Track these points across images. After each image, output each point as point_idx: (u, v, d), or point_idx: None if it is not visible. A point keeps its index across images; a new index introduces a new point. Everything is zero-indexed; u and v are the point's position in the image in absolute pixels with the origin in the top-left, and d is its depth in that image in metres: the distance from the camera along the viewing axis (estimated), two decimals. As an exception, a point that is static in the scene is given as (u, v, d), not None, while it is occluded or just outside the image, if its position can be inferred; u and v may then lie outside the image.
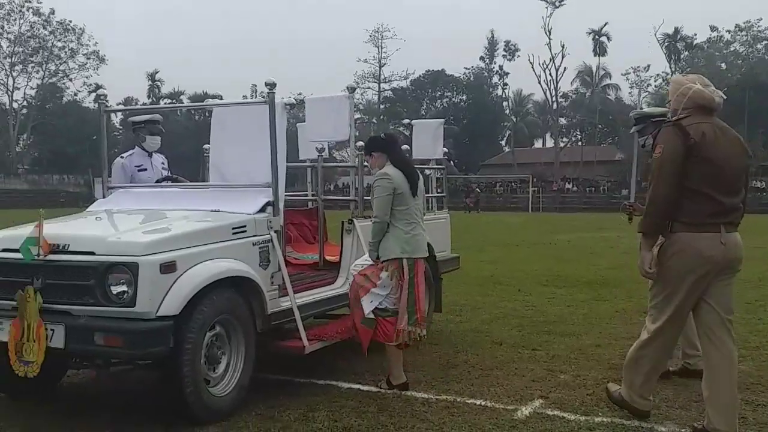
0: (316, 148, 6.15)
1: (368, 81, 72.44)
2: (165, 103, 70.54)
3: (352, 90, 5.73)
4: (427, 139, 6.98)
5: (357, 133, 5.75)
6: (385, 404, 4.66)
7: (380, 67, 71.67)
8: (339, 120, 5.86)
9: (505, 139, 74.20)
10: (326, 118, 5.87)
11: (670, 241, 4.04)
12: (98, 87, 72.07)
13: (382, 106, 72.53)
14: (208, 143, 5.60)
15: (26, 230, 4.26)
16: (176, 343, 3.97)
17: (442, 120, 7.26)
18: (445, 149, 7.04)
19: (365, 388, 5.03)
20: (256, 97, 79.36)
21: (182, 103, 72.42)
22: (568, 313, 8.04)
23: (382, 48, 71.12)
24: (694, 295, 4.06)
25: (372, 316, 4.89)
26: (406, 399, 4.78)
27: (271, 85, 4.70)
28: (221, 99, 8.14)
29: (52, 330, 3.96)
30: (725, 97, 4.13)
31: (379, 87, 72.03)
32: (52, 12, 66.58)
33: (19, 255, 4.12)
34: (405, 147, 5.98)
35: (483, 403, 4.69)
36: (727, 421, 3.94)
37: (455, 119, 68.84)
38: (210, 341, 4.28)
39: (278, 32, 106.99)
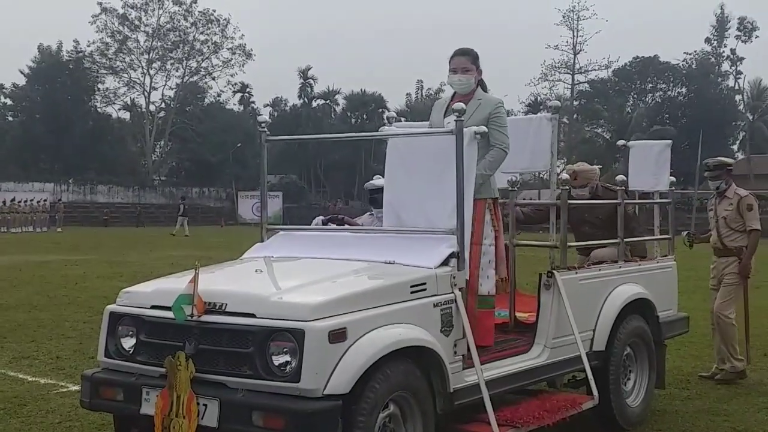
0: (508, 180, 6.07)
1: (559, 72, 71.42)
2: (318, 104, 73.57)
3: (555, 110, 5.62)
4: (649, 167, 6.71)
5: (564, 160, 5.64)
6: None
7: (575, 54, 70.49)
8: (538, 146, 5.78)
9: (738, 142, 70.54)
10: (523, 144, 5.78)
11: None
12: (244, 87, 75.76)
13: (576, 103, 71.22)
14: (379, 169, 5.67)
15: (179, 284, 4.43)
16: (344, 426, 4.02)
17: (669, 141, 6.94)
18: (672, 178, 6.72)
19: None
20: (422, 92, 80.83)
21: (337, 103, 75.55)
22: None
23: (577, 31, 69.96)
24: None
25: (493, 292, 5.23)
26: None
27: (460, 112, 4.71)
28: (396, 117, 8.19)
29: (205, 405, 4.12)
30: None
31: (573, 79, 70.80)
32: (194, 1, 70.56)
33: (170, 314, 4.33)
34: None
35: None
36: None
37: (671, 118, 66.32)
38: (383, 423, 4.31)
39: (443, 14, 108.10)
